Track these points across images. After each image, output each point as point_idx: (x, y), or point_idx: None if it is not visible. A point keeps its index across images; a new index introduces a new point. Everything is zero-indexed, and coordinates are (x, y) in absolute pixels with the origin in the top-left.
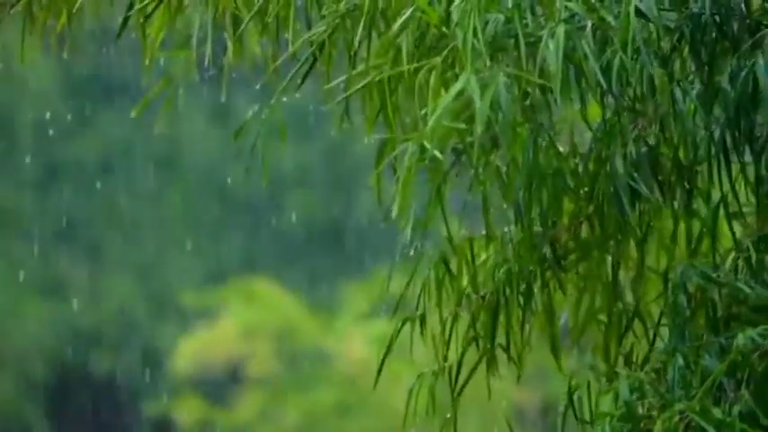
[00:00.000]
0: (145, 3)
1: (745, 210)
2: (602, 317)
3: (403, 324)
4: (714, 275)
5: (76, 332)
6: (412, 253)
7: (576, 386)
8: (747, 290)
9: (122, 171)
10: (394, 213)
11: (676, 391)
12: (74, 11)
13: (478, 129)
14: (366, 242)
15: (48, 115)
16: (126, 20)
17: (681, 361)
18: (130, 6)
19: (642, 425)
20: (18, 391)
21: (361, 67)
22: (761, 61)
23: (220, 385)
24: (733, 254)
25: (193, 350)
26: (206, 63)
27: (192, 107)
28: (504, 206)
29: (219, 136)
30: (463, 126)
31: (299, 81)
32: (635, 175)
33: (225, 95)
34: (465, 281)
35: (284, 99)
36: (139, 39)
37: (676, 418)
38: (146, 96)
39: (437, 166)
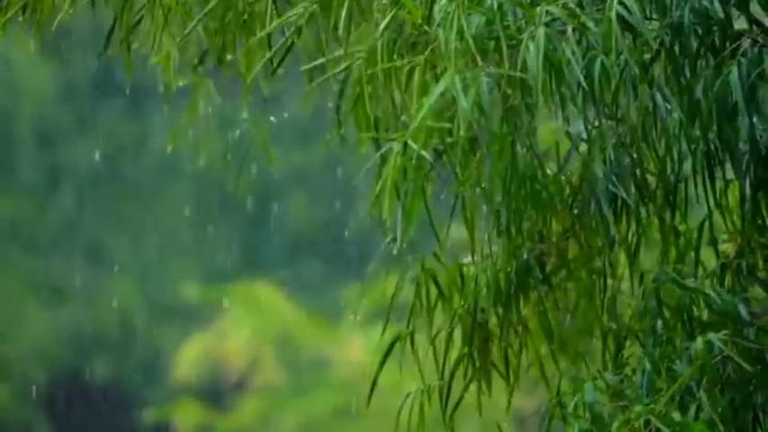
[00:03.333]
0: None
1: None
2: (593, 326)
3: (393, 343)
4: (684, 282)
5: (76, 336)
6: (401, 257)
7: (564, 391)
8: (714, 295)
9: (122, 174)
10: (384, 214)
11: (644, 395)
12: (58, 15)
13: (462, 129)
14: (368, 246)
15: (46, 118)
16: (110, 33)
17: (648, 365)
18: (117, 19)
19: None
20: (17, 395)
21: (338, 53)
22: (735, 72)
23: (220, 390)
24: (715, 265)
25: (193, 355)
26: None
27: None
28: (485, 207)
29: (219, 139)
30: (448, 125)
31: (274, 66)
32: (614, 179)
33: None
34: (453, 294)
35: (272, 118)
36: (138, 45)
37: (641, 420)
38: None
39: (421, 165)
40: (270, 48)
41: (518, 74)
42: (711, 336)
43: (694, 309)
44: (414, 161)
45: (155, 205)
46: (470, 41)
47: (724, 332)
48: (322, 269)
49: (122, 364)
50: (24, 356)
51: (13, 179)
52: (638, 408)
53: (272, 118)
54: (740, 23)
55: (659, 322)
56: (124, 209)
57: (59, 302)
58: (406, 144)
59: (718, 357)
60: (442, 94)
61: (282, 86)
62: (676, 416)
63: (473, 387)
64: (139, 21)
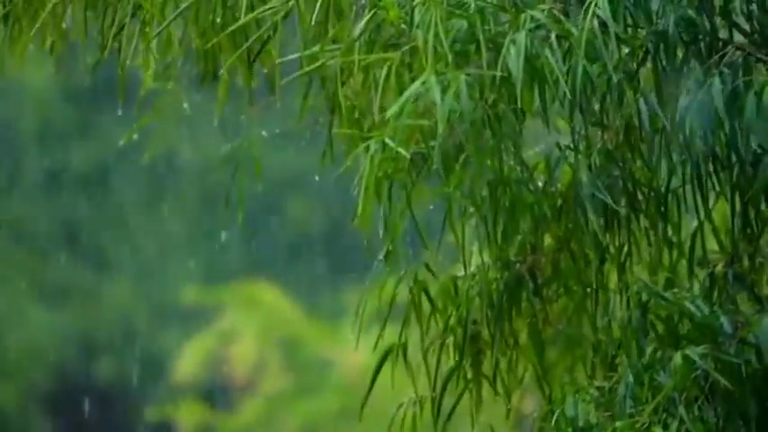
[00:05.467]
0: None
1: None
2: (584, 337)
3: (385, 356)
4: (666, 294)
5: (78, 338)
6: (393, 264)
7: (557, 398)
8: (693, 309)
9: (123, 176)
10: (366, 218)
11: (627, 406)
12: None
13: (440, 127)
14: (368, 247)
15: (48, 120)
16: (103, 49)
17: (631, 377)
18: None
19: None
20: (19, 396)
21: (314, 49)
22: (717, 83)
23: (221, 390)
24: (704, 277)
25: (194, 355)
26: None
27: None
28: (471, 210)
29: (219, 140)
30: (426, 122)
31: (251, 61)
32: (599, 185)
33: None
34: (446, 305)
35: (264, 133)
36: (140, 48)
37: None
38: (133, 127)
39: (401, 165)
40: (249, 49)
41: (498, 73)
42: (689, 350)
43: (685, 321)
44: (393, 161)
45: (156, 206)
46: (446, 46)
47: (704, 346)
48: (322, 270)
49: (124, 364)
50: (26, 357)
51: (14, 180)
52: (618, 423)
53: (263, 132)
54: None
55: (643, 334)
56: (125, 210)
57: (61, 303)
58: (384, 143)
59: (702, 369)
60: (421, 94)
61: (283, 96)
62: (658, 430)
63: (466, 396)
64: (122, 28)
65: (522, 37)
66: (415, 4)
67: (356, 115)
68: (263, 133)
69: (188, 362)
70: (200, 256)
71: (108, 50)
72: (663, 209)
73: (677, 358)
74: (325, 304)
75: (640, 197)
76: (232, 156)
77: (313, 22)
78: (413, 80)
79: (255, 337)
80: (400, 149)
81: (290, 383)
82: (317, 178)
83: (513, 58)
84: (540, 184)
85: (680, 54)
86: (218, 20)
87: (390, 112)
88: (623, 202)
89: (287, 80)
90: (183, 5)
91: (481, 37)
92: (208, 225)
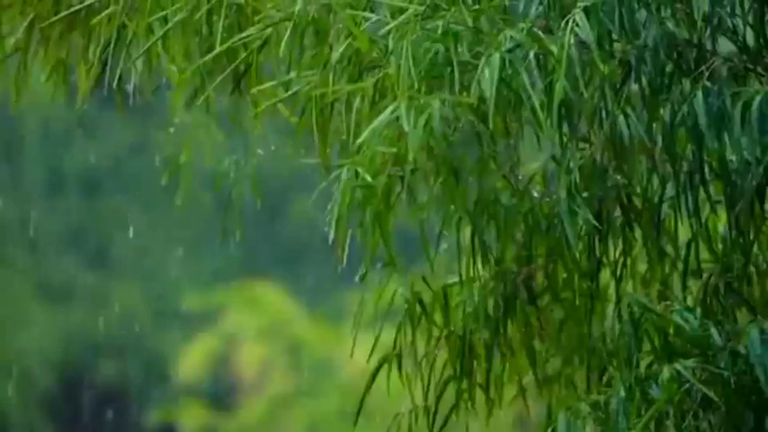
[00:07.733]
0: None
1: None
2: (578, 348)
3: (380, 365)
4: (655, 308)
5: (81, 338)
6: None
7: (553, 412)
8: (681, 322)
9: (125, 177)
10: (330, 238)
11: (619, 421)
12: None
13: (411, 155)
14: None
15: (51, 120)
16: (98, 78)
17: (622, 391)
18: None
19: None
20: (22, 397)
21: (291, 75)
22: (700, 97)
23: (224, 391)
24: (698, 288)
25: (197, 356)
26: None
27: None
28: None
29: (221, 142)
30: (394, 150)
31: (231, 87)
32: (579, 199)
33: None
34: (439, 316)
35: (260, 151)
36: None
37: None
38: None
39: (372, 190)
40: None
41: (468, 99)
42: (678, 365)
43: (678, 334)
44: (365, 189)
45: (158, 208)
46: (413, 73)
47: (694, 359)
48: (325, 272)
49: (127, 365)
50: (29, 358)
51: (18, 181)
52: None
53: (259, 151)
54: (724, 42)
55: (636, 347)
56: (128, 211)
57: (64, 304)
58: (356, 171)
59: (694, 381)
60: (392, 121)
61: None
62: None
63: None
64: (108, 45)
65: (496, 58)
66: (385, 29)
67: (340, 138)
68: (260, 152)
69: (190, 363)
70: (203, 258)
71: (96, 71)
72: (656, 219)
73: (665, 373)
74: (327, 306)
75: (632, 208)
76: (232, 170)
77: (288, 50)
78: (394, 101)
79: (258, 339)
80: (368, 177)
81: (292, 385)
82: (314, 194)
83: (487, 80)
84: (535, 194)
85: (664, 67)
86: (205, 43)
87: (361, 139)
88: (616, 212)
89: (265, 106)
90: (168, 26)
91: (455, 60)
92: (210, 226)
